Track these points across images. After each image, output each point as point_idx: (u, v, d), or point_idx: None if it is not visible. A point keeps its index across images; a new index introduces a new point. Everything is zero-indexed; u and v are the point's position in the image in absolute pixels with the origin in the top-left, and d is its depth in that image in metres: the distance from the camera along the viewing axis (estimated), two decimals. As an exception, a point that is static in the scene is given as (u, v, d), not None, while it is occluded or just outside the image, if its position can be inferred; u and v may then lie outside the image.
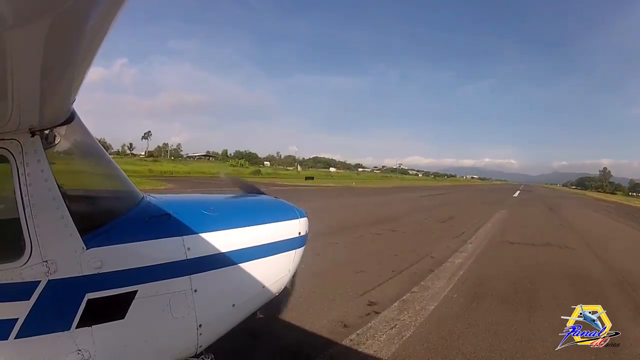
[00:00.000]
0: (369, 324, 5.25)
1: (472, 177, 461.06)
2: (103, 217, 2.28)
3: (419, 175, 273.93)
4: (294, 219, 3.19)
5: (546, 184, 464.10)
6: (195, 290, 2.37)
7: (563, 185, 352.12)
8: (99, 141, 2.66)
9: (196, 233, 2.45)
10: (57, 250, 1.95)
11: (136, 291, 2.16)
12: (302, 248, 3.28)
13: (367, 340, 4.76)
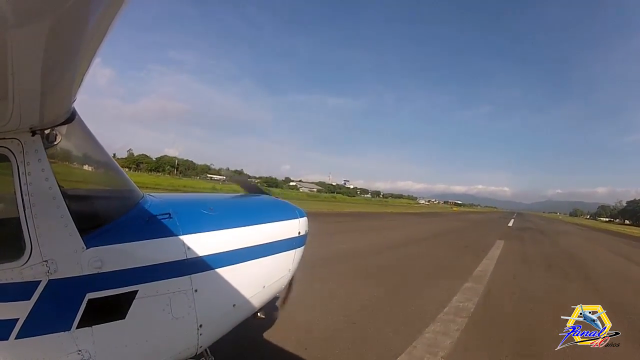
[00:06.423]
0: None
1: (447, 202, 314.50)
2: (103, 216, 2.27)
3: (313, 191, 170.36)
4: (293, 218, 3.19)
5: (543, 212, 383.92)
6: (196, 290, 2.37)
7: (571, 215, 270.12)
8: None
9: (196, 233, 2.45)
10: (57, 250, 1.94)
11: (136, 291, 2.15)
12: (302, 248, 3.27)
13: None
